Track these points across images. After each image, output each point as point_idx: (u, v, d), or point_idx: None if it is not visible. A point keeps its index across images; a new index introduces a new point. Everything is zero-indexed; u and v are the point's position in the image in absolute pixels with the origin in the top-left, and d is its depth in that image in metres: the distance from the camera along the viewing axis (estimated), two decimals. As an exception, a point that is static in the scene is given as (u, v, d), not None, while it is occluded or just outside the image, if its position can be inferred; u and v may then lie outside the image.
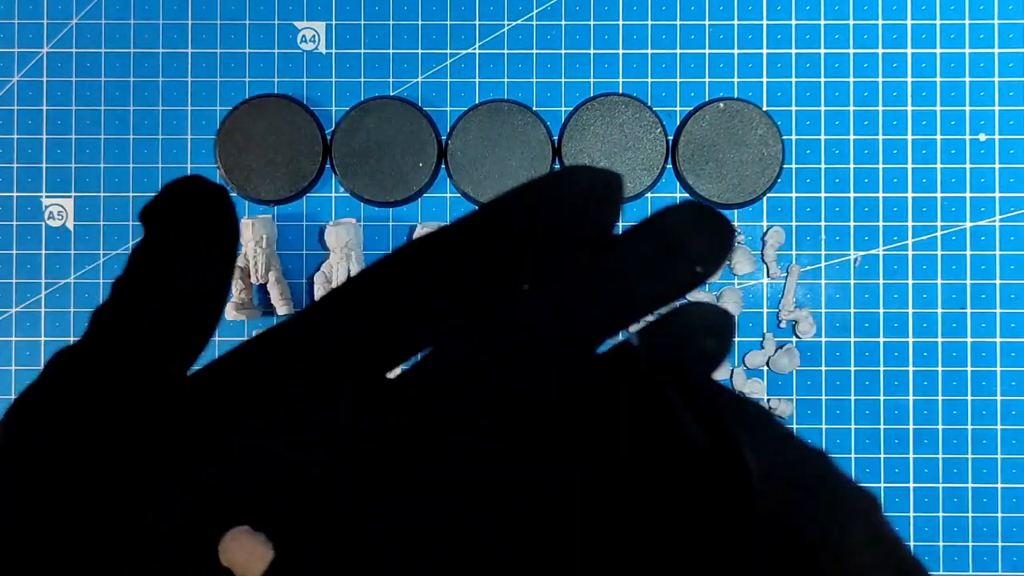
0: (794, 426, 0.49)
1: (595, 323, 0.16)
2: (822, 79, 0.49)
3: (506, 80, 0.50)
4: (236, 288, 0.48)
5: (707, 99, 0.49)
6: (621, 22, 0.50)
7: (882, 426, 0.49)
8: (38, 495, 0.16)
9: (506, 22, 0.50)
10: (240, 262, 0.48)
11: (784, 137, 0.49)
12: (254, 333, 0.17)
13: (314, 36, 0.50)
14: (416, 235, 0.17)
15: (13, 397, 0.50)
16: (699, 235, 0.17)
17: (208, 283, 0.18)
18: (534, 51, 0.50)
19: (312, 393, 0.16)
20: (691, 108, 0.49)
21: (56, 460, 0.16)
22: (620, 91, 0.49)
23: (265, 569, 0.15)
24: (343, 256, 0.49)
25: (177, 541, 0.16)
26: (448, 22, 0.50)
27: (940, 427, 0.49)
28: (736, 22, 0.50)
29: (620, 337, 0.17)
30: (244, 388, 0.16)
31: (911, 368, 0.49)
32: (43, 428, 0.16)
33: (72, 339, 0.49)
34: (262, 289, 0.49)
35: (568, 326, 0.16)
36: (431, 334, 0.17)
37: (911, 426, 0.49)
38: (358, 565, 0.15)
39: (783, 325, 0.50)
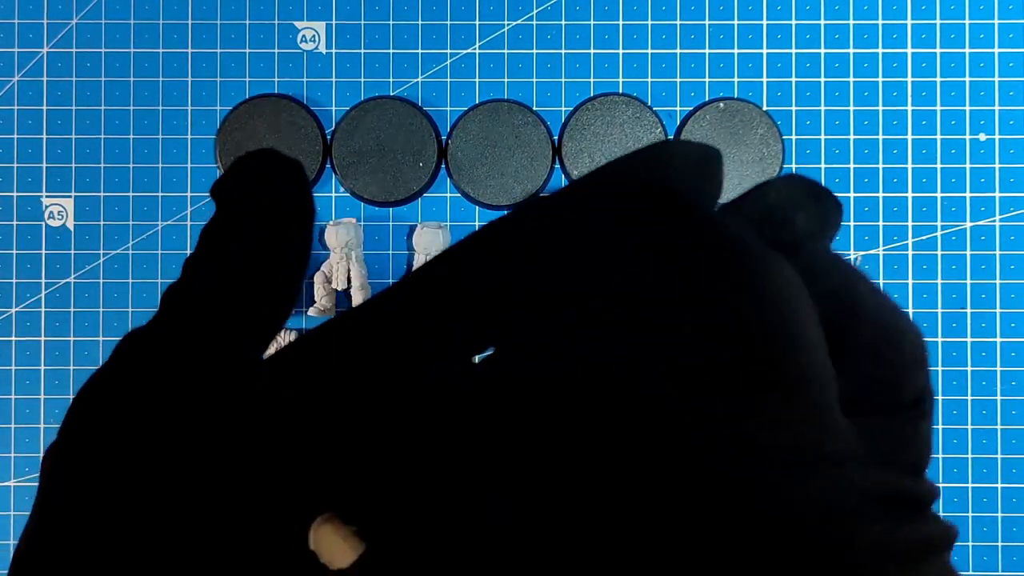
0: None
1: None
2: (822, 79, 0.49)
3: (506, 80, 0.50)
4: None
5: (707, 99, 0.49)
6: (621, 22, 0.50)
7: (882, 426, 0.49)
8: (109, 488, 0.15)
9: (506, 22, 0.50)
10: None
11: (784, 137, 0.49)
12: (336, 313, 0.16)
13: (314, 36, 0.50)
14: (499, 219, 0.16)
15: (12, 398, 0.50)
16: (805, 212, 0.15)
17: (284, 260, 0.17)
18: (534, 51, 0.50)
19: (396, 377, 0.15)
20: (691, 108, 0.49)
21: (129, 449, 0.15)
22: (620, 91, 0.49)
23: (352, 561, 0.15)
24: (343, 256, 0.49)
25: (261, 528, 0.15)
26: (448, 22, 0.50)
27: (940, 427, 0.49)
28: (736, 22, 0.50)
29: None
30: (325, 371, 0.15)
31: (911, 368, 0.49)
32: (115, 416, 0.15)
33: (72, 339, 0.49)
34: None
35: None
36: (507, 327, 0.15)
37: (911, 426, 0.49)
38: (449, 563, 0.14)
39: (783, 325, 0.49)
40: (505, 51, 0.50)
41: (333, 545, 0.15)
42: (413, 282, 0.16)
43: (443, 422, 0.15)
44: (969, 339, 0.49)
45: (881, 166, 0.49)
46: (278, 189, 0.17)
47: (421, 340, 0.15)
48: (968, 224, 0.49)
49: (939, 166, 0.49)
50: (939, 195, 0.49)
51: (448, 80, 0.50)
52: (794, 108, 0.49)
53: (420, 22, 0.50)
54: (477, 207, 0.50)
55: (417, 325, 0.15)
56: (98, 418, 0.16)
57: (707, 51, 0.50)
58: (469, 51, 0.50)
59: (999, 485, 0.49)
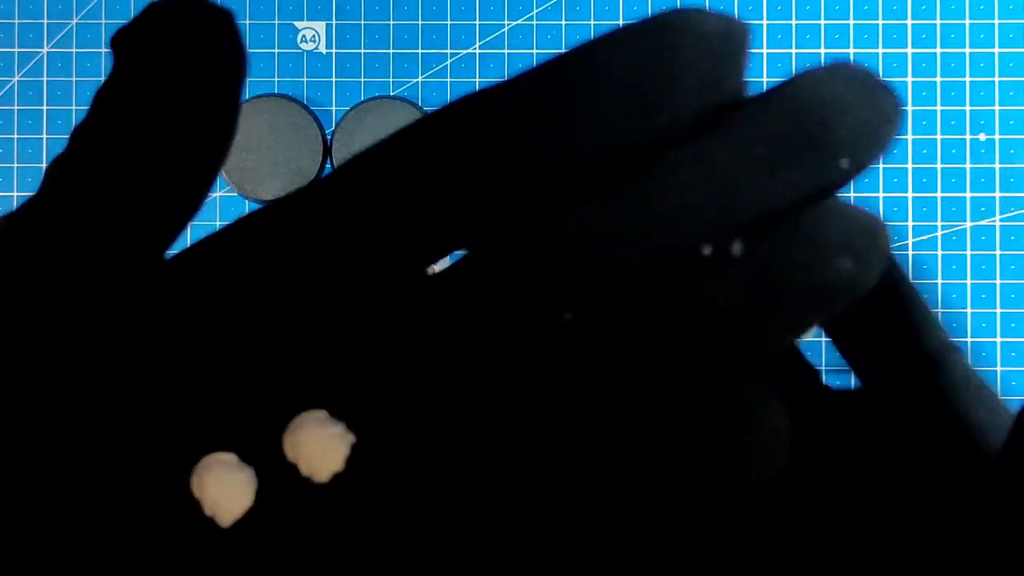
0: (794, 426, 0.49)
1: (695, 233, 0.12)
2: (822, 79, 0.49)
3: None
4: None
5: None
6: (621, 22, 0.50)
7: (882, 426, 0.49)
8: None
9: (506, 22, 0.50)
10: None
11: (784, 137, 0.49)
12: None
13: (314, 36, 0.50)
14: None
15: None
16: (852, 114, 0.12)
17: (200, 132, 0.13)
18: (534, 51, 0.50)
19: (333, 282, 0.12)
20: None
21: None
22: (620, 91, 0.49)
23: (245, 511, 0.12)
24: (343, 256, 0.48)
25: (147, 466, 0.12)
26: (448, 22, 0.50)
27: (940, 427, 0.49)
28: (736, 22, 0.49)
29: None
30: (242, 274, 0.12)
31: (911, 368, 0.49)
32: None
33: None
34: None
35: (658, 236, 0.12)
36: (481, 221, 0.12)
37: (911, 426, 0.49)
38: (337, 517, 0.12)
39: (783, 325, 0.49)
40: (505, 51, 0.50)
41: (224, 489, 0.12)
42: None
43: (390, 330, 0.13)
44: (969, 339, 0.49)
45: (881, 166, 0.49)
46: (202, 40, 0.13)
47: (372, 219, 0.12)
48: (968, 224, 0.49)
49: (939, 166, 0.49)
50: (939, 195, 0.49)
51: (448, 80, 0.50)
52: (794, 108, 0.49)
53: (420, 22, 0.50)
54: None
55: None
56: None
57: (707, 51, 0.49)
58: (469, 51, 0.50)
59: (999, 485, 0.49)
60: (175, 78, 0.13)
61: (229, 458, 0.12)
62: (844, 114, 0.12)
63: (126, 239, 0.13)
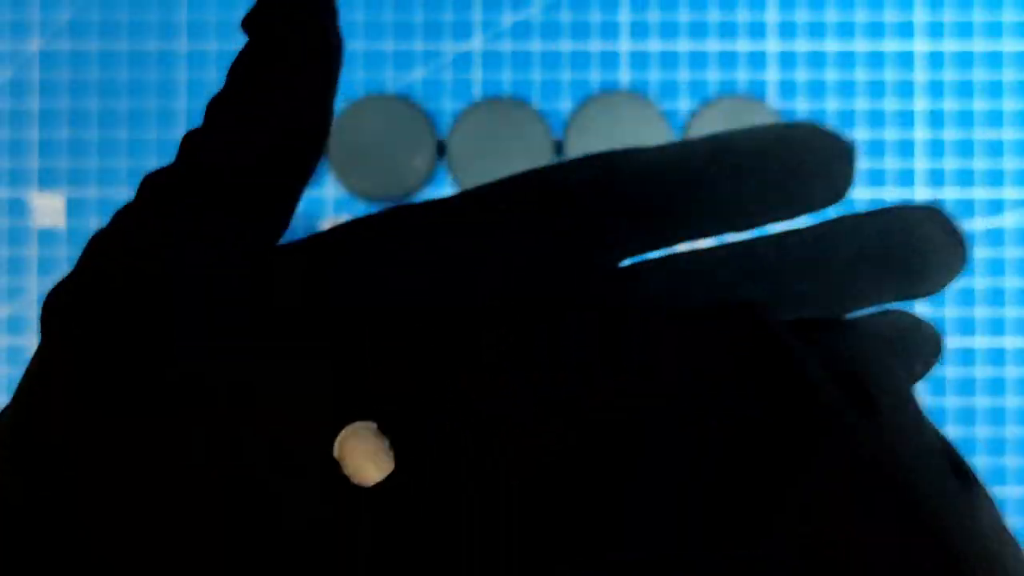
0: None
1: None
2: (828, 75, 0.49)
3: (507, 77, 0.49)
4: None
5: (713, 96, 0.49)
6: (624, 18, 0.49)
7: (887, 428, 0.49)
8: (90, 390, 0.13)
9: (507, 18, 0.49)
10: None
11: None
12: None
13: (312, 31, 0.49)
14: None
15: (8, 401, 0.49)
16: (941, 255, 0.15)
17: (313, 99, 0.15)
18: (536, 47, 0.49)
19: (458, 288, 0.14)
20: (697, 105, 0.49)
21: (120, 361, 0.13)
22: (624, 88, 0.49)
23: (383, 478, 0.13)
24: (342, 256, 0.48)
25: (280, 433, 0.13)
26: (448, 17, 0.49)
27: (948, 429, 0.49)
28: (742, 19, 0.49)
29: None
30: (382, 263, 0.14)
31: (917, 369, 0.49)
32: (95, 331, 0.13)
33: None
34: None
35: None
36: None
37: (916, 428, 0.49)
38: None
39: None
40: (507, 48, 0.49)
41: (363, 457, 0.13)
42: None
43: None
44: (975, 341, 0.49)
45: (887, 165, 0.49)
46: (314, 24, 0.16)
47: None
48: (975, 224, 0.49)
49: (946, 166, 0.49)
50: (946, 194, 0.49)
51: (447, 77, 0.49)
52: (801, 105, 0.49)
53: (419, 18, 0.49)
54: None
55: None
56: (76, 332, 0.13)
57: (712, 47, 0.49)
58: (469, 48, 0.49)
59: (1009, 488, 0.49)
60: (296, 49, 0.15)
61: (368, 426, 0.13)
62: (936, 253, 0.15)
63: (252, 217, 0.14)
